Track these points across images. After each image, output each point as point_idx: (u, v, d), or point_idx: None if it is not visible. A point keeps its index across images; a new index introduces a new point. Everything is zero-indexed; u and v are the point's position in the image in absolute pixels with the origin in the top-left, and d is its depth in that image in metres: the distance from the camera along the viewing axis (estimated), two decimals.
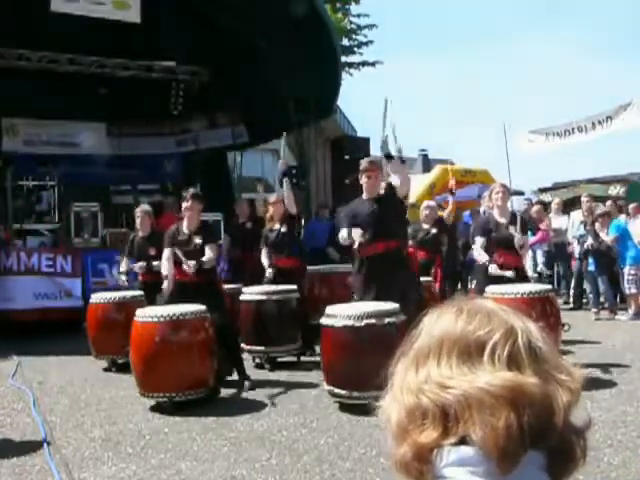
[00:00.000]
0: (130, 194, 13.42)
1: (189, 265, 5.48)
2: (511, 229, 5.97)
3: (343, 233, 5.35)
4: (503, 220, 6.06)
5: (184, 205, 5.79)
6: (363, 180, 5.42)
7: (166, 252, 5.81)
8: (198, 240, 5.72)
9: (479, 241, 6.11)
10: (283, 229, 6.87)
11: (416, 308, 4.93)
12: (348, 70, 18.07)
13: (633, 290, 8.86)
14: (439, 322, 0.89)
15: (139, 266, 6.89)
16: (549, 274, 10.03)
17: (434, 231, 7.91)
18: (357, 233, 5.20)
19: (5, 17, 10.10)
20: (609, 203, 10.80)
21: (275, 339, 6.45)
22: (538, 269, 9.96)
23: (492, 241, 6.05)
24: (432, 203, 8.55)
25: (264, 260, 6.92)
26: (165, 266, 5.77)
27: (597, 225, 9.32)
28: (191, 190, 6.06)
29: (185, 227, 5.82)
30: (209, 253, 5.67)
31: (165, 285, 5.66)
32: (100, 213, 10.77)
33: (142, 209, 7.23)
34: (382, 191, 5.41)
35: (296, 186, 12.87)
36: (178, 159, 14.07)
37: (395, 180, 5.36)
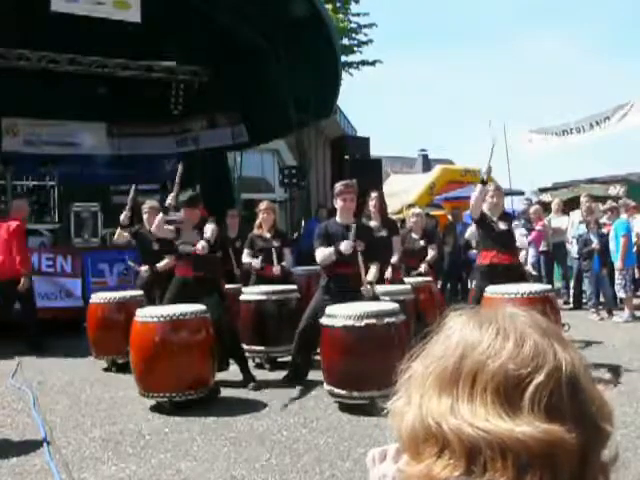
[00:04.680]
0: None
1: (203, 246, 5.57)
2: (501, 225, 6.09)
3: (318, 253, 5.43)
4: (496, 218, 6.14)
5: (180, 215, 5.87)
6: (339, 204, 5.47)
7: (160, 216, 5.89)
8: (197, 240, 5.77)
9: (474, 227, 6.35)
10: (276, 243, 6.83)
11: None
12: (348, 70, 18.05)
13: (622, 294, 8.85)
14: (476, 344, 0.77)
15: (144, 269, 6.93)
16: (535, 274, 10.00)
17: (422, 243, 7.97)
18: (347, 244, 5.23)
19: (5, 17, 10.10)
20: (609, 203, 10.81)
21: (275, 339, 6.45)
22: (525, 269, 9.94)
23: (486, 238, 6.17)
24: (419, 211, 8.60)
25: (246, 259, 6.90)
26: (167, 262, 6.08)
27: (606, 216, 9.33)
28: (186, 195, 6.08)
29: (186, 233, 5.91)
30: (209, 229, 5.71)
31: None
32: (100, 213, 10.77)
33: (150, 205, 7.21)
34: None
35: (296, 186, 12.92)
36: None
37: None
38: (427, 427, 0.75)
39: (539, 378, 0.73)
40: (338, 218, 5.54)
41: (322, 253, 5.37)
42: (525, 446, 0.70)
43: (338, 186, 5.52)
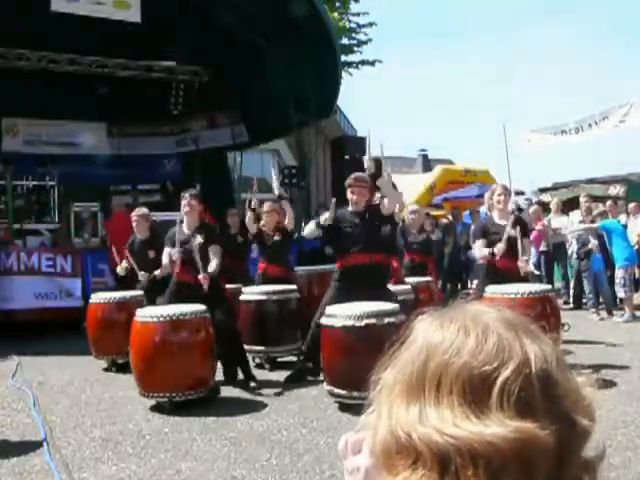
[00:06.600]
0: (130, 194, 13.44)
1: (205, 277, 5.53)
2: (511, 232, 5.97)
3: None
4: (503, 222, 6.07)
5: (183, 204, 5.82)
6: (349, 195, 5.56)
7: (166, 250, 5.93)
8: (199, 239, 5.72)
9: (479, 243, 6.14)
10: (276, 237, 6.88)
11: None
12: (347, 69, 18.04)
13: (622, 294, 8.85)
14: (438, 344, 0.73)
15: (142, 275, 6.86)
16: (537, 274, 10.00)
17: (424, 235, 8.02)
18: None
19: (5, 17, 10.11)
20: (609, 203, 10.82)
21: (275, 339, 6.46)
22: (528, 269, 9.92)
23: (491, 243, 6.07)
24: (417, 208, 8.65)
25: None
26: (165, 264, 5.99)
27: (598, 220, 9.39)
28: (190, 190, 6.11)
29: (185, 227, 5.85)
30: (214, 260, 5.68)
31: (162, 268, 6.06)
32: (100, 213, 10.78)
33: (137, 213, 7.10)
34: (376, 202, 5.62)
35: (296, 186, 12.92)
36: (178, 159, 14.09)
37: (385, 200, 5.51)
38: (398, 438, 0.71)
39: (505, 373, 0.69)
40: (350, 207, 5.62)
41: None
42: (497, 450, 0.66)
43: (349, 178, 5.62)
